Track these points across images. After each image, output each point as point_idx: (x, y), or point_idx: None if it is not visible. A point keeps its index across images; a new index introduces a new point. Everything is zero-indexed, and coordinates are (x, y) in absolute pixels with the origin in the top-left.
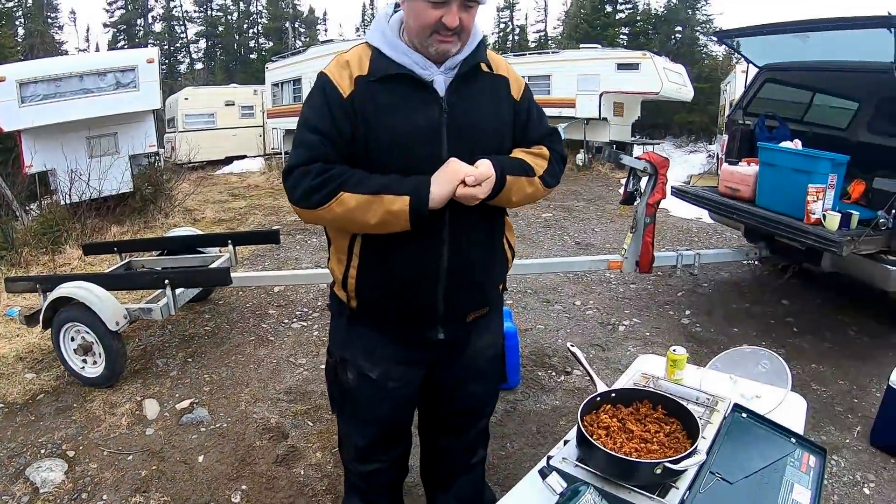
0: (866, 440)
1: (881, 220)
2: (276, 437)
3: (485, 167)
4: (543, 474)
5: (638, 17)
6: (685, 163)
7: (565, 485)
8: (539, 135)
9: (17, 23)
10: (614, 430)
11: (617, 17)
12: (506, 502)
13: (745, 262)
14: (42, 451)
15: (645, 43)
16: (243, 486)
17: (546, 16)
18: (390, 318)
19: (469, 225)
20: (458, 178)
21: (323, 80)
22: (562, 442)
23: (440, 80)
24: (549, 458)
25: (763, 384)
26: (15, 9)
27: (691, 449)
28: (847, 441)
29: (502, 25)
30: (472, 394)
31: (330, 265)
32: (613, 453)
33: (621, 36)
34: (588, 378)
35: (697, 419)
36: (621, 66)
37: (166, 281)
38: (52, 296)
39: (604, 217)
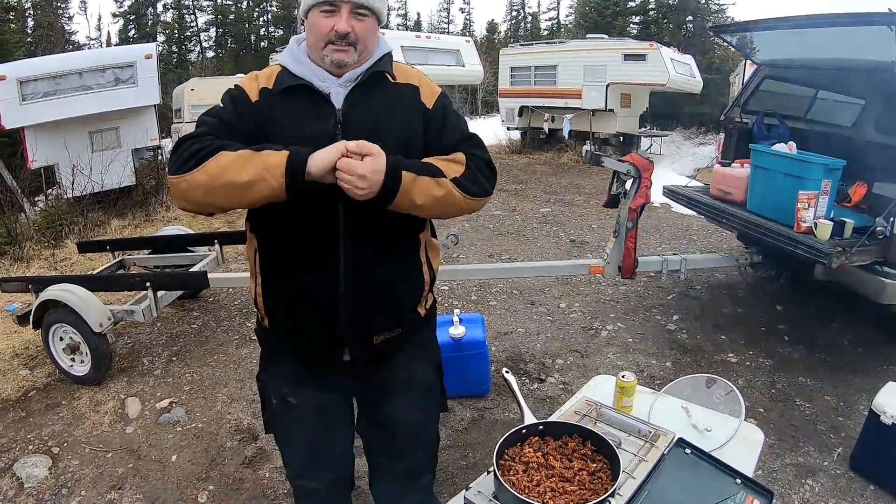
0: (846, 464)
1: (878, 229)
2: (247, 438)
3: (371, 145)
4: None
5: (650, 7)
6: (693, 155)
7: None
8: (456, 139)
9: (27, 14)
10: (534, 466)
11: (628, 6)
12: None
13: (734, 267)
14: (29, 448)
15: (656, 33)
16: (210, 487)
17: (558, 4)
18: (296, 338)
19: (370, 241)
20: (340, 148)
21: (235, 88)
22: (486, 471)
23: (337, 92)
24: (468, 488)
25: (719, 413)
26: (25, 0)
27: (608, 493)
28: (825, 464)
29: (514, 13)
30: (403, 420)
31: (249, 284)
32: (518, 495)
33: (632, 25)
34: (569, 384)
35: (632, 455)
36: (628, 57)
37: (148, 283)
38: (39, 297)
39: (603, 213)
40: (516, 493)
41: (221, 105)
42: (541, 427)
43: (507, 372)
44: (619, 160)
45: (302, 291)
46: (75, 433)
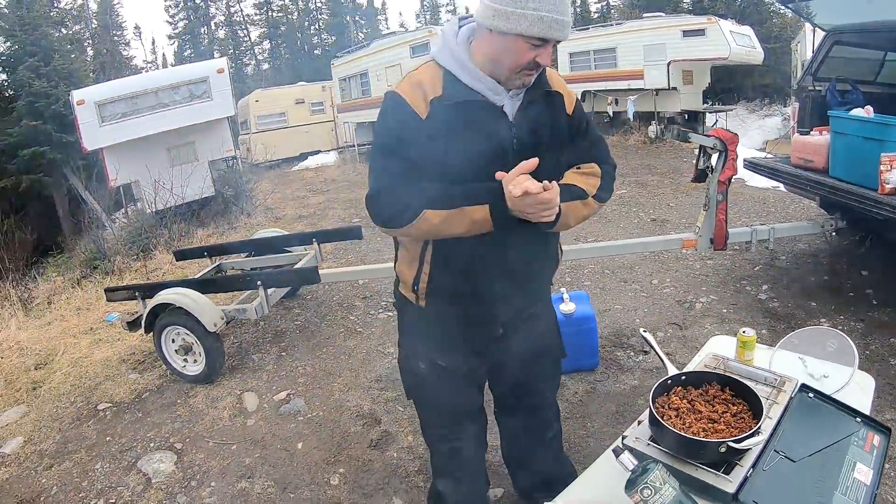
0: None
1: None
2: (370, 422)
3: (549, 185)
4: (617, 452)
5: None
6: (760, 128)
7: (636, 462)
8: (589, 144)
9: (86, 44)
10: (684, 411)
11: None
12: (582, 478)
13: (821, 233)
14: (151, 445)
15: (710, 7)
16: (340, 470)
17: None
18: (456, 316)
19: (526, 241)
20: (524, 189)
21: (397, 100)
22: (636, 422)
23: (509, 105)
24: (624, 437)
25: (831, 363)
26: (81, 31)
27: (754, 429)
28: None
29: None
30: (536, 373)
31: (398, 267)
32: (681, 433)
33: (684, 2)
34: (672, 354)
35: (763, 400)
36: (687, 33)
37: (259, 282)
38: (152, 302)
39: (678, 191)
40: (679, 432)
41: (389, 130)
42: (683, 377)
43: (644, 331)
44: (705, 135)
45: (470, 282)
46: (196, 429)
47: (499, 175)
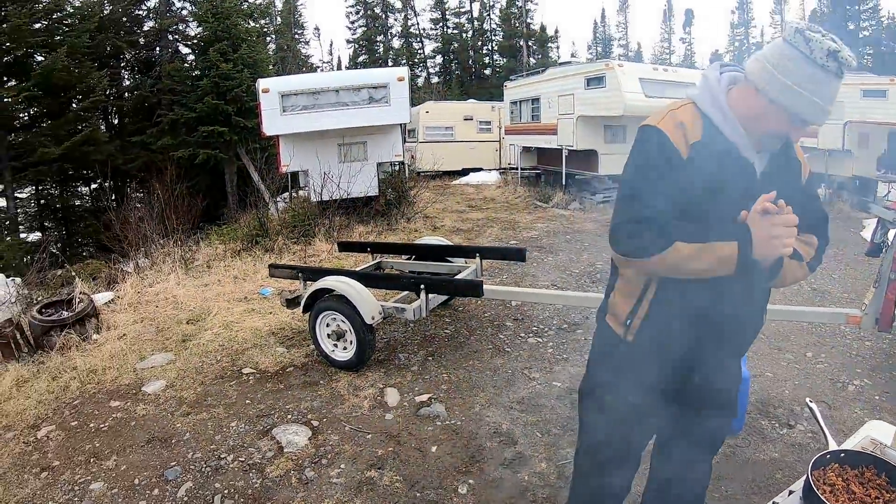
0: None
1: None
2: (506, 441)
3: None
4: None
5: (883, 35)
6: None
7: None
8: (815, 218)
9: (268, 39)
10: (839, 488)
11: (860, 36)
12: None
13: None
14: (288, 417)
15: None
16: (470, 480)
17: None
18: (662, 357)
19: (748, 291)
20: (775, 234)
21: (660, 136)
22: (786, 491)
23: (758, 161)
24: (775, 503)
25: None
26: (267, 26)
27: None
28: None
29: (737, 44)
30: (708, 428)
31: (613, 299)
32: None
33: (865, 56)
34: (818, 434)
35: None
36: (867, 93)
37: (422, 286)
38: (314, 286)
39: (843, 262)
40: None
41: (649, 162)
42: (842, 454)
43: (810, 401)
44: (886, 207)
45: (686, 326)
46: (335, 411)
47: (742, 214)
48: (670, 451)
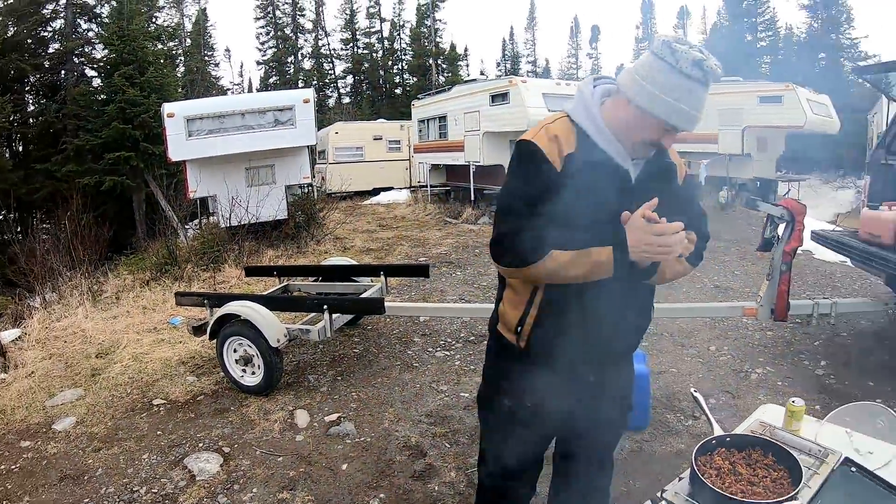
0: None
1: None
2: (415, 454)
3: (672, 226)
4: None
5: (780, 45)
6: (832, 200)
7: None
8: (695, 215)
9: (177, 61)
10: (725, 471)
11: (758, 46)
12: None
13: (885, 312)
14: (199, 445)
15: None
16: (381, 495)
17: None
18: (554, 361)
19: (630, 294)
20: (652, 232)
21: (533, 149)
22: (676, 478)
23: (632, 169)
24: (663, 491)
25: (879, 440)
26: (176, 48)
27: (791, 494)
28: None
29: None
30: (606, 424)
31: (502, 308)
32: (720, 492)
33: (763, 65)
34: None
35: (804, 469)
36: (764, 99)
37: (325, 306)
38: (220, 311)
39: (745, 259)
40: (717, 490)
41: (526, 178)
42: (728, 439)
43: (695, 391)
44: (773, 204)
45: (575, 329)
46: (245, 436)
47: (623, 215)
48: (571, 450)
